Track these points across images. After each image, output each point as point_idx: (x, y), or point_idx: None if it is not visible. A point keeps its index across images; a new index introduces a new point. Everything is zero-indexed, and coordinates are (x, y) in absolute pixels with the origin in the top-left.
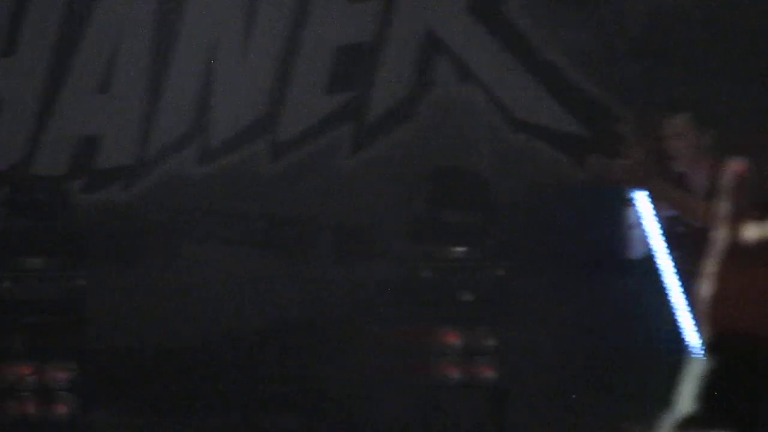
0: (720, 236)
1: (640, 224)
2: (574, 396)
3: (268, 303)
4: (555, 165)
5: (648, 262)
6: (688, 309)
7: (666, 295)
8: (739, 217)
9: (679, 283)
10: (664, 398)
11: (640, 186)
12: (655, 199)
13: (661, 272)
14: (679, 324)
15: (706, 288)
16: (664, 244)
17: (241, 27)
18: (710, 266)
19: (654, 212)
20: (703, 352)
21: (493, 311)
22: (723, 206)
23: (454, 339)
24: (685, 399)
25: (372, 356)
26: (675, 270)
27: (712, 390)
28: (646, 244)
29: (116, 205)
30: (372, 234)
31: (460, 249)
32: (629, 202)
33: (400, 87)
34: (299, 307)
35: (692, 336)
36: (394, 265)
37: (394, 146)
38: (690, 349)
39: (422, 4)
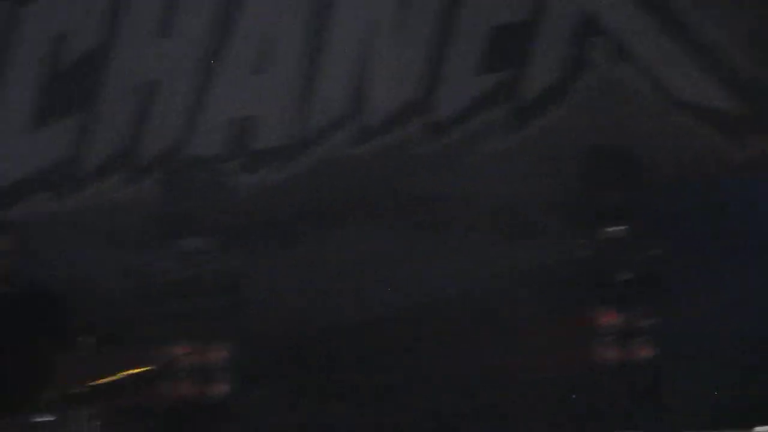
0: None
1: None
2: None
3: (426, 283)
4: (715, 145)
5: None
6: None
7: None
8: None
9: None
10: None
11: None
12: None
13: None
14: None
15: None
16: None
17: (396, 7)
18: None
19: None
20: None
21: (650, 291)
22: None
23: (611, 319)
24: None
25: (530, 336)
26: None
27: None
28: None
29: (273, 186)
30: (527, 214)
31: (616, 229)
32: None
33: (555, 67)
34: (457, 287)
35: None
36: (549, 245)
37: (550, 126)
38: None
39: None
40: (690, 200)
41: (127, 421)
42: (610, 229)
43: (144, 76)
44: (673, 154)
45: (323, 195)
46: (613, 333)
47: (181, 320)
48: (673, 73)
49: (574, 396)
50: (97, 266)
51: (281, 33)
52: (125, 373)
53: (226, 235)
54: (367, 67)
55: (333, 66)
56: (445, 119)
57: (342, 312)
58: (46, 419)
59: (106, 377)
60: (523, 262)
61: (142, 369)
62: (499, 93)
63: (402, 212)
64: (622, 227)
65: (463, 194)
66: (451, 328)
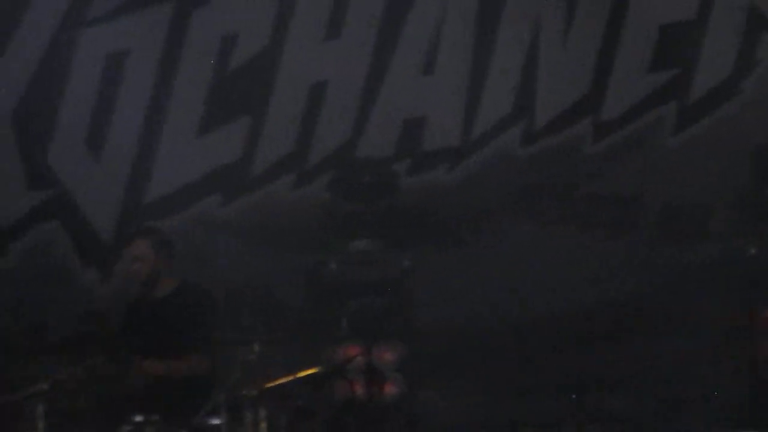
0: None
1: None
2: None
3: (595, 282)
4: None
5: None
6: None
7: None
8: None
9: None
10: None
11: None
12: None
13: None
14: None
15: None
16: None
17: (563, 7)
18: None
19: None
20: None
21: None
22: None
23: None
24: None
25: (699, 334)
26: None
27: None
28: None
29: (441, 187)
30: (697, 212)
31: None
32: None
33: (724, 64)
34: (626, 287)
35: None
36: (720, 243)
37: (719, 124)
38: None
39: None
40: None
41: (298, 423)
42: None
43: (313, 78)
44: None
45: (491, 196)
46: None
47: (351, 320)
48: None
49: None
50: (267, 268)
51: (449, 34)
52: (296, 374)
53: (395, 235)
54: (535, 68)
55: (501, 67)
56: (612, 118)
57: (507, 312)
58: (216, 422)
59: (277, 379)
60: (692, 260)
61: (313, 370)
62: (668, 91)
63: (570, 212)
64: None
65: (631, 193)
66: (619, 329)
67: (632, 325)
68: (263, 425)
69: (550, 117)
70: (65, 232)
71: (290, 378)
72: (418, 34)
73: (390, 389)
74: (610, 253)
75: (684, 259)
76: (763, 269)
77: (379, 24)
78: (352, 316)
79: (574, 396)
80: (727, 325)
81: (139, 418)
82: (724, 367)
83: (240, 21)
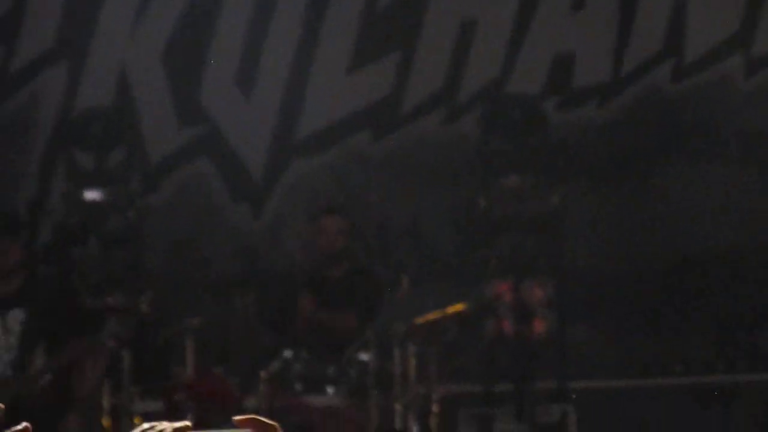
0: None
1: None
2: None
3: (746, 222)
4: None
5: None
6: None
7: None
8: None
9: None
10: None
11: None
12: None
13: None
14: None
15: None
16: None
17: None
18: None
19: None
20: None
21: None
22: None
23: None
24: None
25: None
26: None
27: None
28: None
29: (591, 124)
30: None
31: None
32: None
33: None
34: None
35: None
36: None
37: None
38: None
39: None
40: None
41: (446, 359)
42: None
43: (464, 14)
44: None
45: (641, 133)
46: None
47: (501, 258)
48: None
49: None
50: (416, 205)
51: None
52: (446, 311)
53: (546, 172)
54: (685, 2)
55: (651, 2)
56: (765, 54)
57: (656, 251)
58: (364, 358)
59: (426, 316)
60: None
61: (462, 307)
62: None
63: (721, 150)
64: None
65: None
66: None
67: None
68: (412, 361)
69: (700, 53)
70: (216, 168)
71: (439, 314)
72: None
73: (539, 326)
74: (763, 191)
75: None
76: None
77: None
78: (502, 253)
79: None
80: None
81: (287, 354)
82: None
83: None
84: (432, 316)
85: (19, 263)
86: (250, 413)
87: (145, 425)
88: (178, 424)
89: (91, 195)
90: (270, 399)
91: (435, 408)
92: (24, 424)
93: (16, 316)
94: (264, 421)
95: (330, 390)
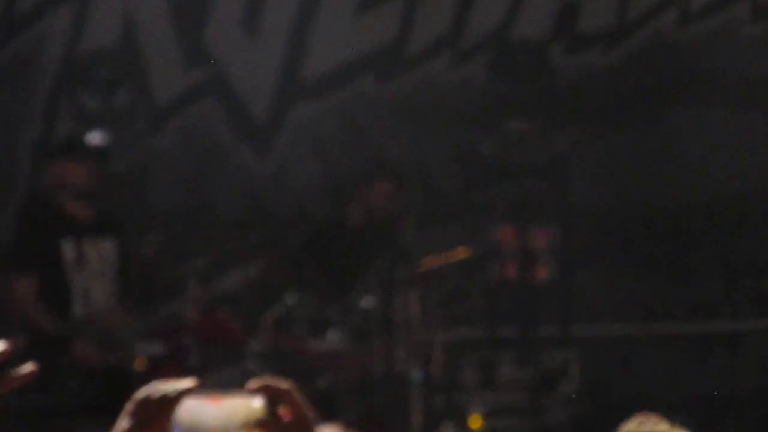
0: None
1: None
2: None
3: (751, 167)
4: None
5: None
6: None
7: None
8: None
9: None
10: None
11: None
12: None
13: None
14: None
15: None
16: None
17: None
18: None
19: None
20: None
21: None
22: None
23: None
24: None
25: None
26: None
27: None
28: None
29: (597, 69)
30: None
31: None
32: None
33: None
34: None
35: None
36: None
37: None
38: None
39: None
40: None
41: (450, 305)
42: None
43: None
44: None
45: (647, 79)
46: None
47: (505, 203)
48: None
49: None
50: (423, 148)
51: None
52: (450, 256)
53: (551, 117)
54: None
55: None
56: None
57: (664, 196)
58: (369, 303)
59: (431, 260)
60: None
61: (467, 252)
62: None
63: (727, 96)
64: None
65: None
66: None
67: None
68: (416, 307)
69: None
70: (221, 110)
71: (443, 259)
72: None
73: (543, 272)
74: None
75: None
76: None
77: None
78: (506, 198)
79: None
80: None
81: (291, 298)
82: None
83: None
84: (435, 260)
85: (93, 187)
86: (253, 356)
87: (150, 387)
88: (183, 385)
89: (96, 137)
90: (273, 342)
91: (438, 353)
92: (30, 366)
93: (107, 244)
94: (277, 387)
95: (333, 334)
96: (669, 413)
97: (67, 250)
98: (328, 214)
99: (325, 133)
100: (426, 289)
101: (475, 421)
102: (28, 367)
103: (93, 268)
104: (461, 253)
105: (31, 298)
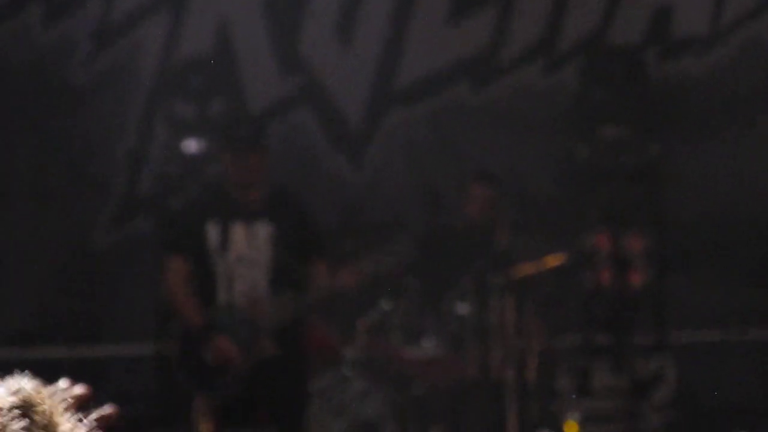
0: None
1: None
2: None
3: None
4: None
5: None
6: None
7: None
8: None
9: None
10: None
11: None
12: None
13: None
14: None
15: None
16: None
17: None
18: None
19: None
20: None
21: None
22: None
23: None
24: None
25: None
26: None
27: None
28: None
29: (691, 74)
30: None
31: None
32: None
33: None
34: None
35: None
36: None
37: None
38: None
39: None
40: None
41: (545, 310)
42: None
43: None
44: None
45: (742, 83)
46: None
47: (600, 209)
48: None
49: None
50: (517, 155)
51: None
52: (544, 263)
53: (645, 123)
54: None
55: None
56: None
57: (759, 202)
58: (463, 309)
59: (525, 267)
60: None
61: (561, 258)
62: None
63: None
64: None
65: None
66: None
67: None
68: (511, 313)
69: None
70: (315, 118)
71: (538, 266)
72: None
73: (638, 278)
74: None
75: None
76: None
77: None
78: (602, 204)
79: None
80: None
81: (386, 305)
82: None
83: None
84: (530, 267)
85: (263, 175)
86: (347, 364)
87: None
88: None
89: (191, 145)
90: (368, 350)
91: (533, 360)
92: (109, 407)
93: (263, 228)
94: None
95: (428, 341)
96: (763, 421)
97: (213, 233)
98: (423, 222)
99: (419, 140)
100: (521, 296)
101: (571, 428)
102: (107, 410)
103: (241, 254)
104: (556, 259)
105: (179, 282)
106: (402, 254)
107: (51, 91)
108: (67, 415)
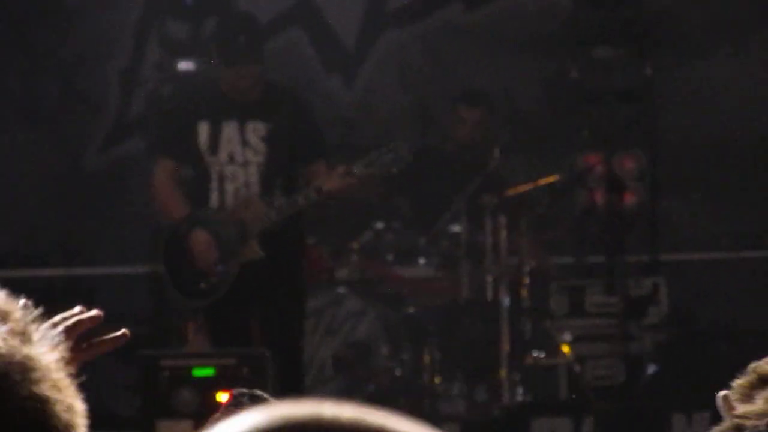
0: None
1: None
2: None
3: None
4: None
5: None
6: None
7: None
8: None
9: None
10: None
11: None
12: None
13: None
14: None
15: None
16: None
17: None
18: None
19: None
20: None
21: None
22: None
23: None
24: None
25: None
26: None
27: None
28: None
29: None
30: None
31: None
32: None
33: None
34: None
35: None
36: None
37: None
38: None
39: None
40: None
41: (537, 230)
42: None
43: None
44: None
45: (735, 3)
46: None
47: (592, 129)
48: None
49: None
50: (509, 76)
51: None
52: (537, 182)
53: (638, 43)
54: None
55: None
56: None
57: (751, 122)
58: (456, 229)
59: (517, 186)
60: None
61: (553, 178)
62: None
63: None
64: None
65: None
66: None
67: None
68: (503, 232)
69: None
70: (308, 38)
71: (530, 186)
72: None
73: (630, 198)
74: None
75: None
76: None
77: None
78: (594, 125)
79: None
80: None
81: (379, 225)
82: None
83: None
84: (523, 187)
85: (257, 78)
86: (342, 283)
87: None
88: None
89: (184, 65)
90: (361, 269)
91: (526, 280)
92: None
93: (257, 127)
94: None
95: (421, 261)
96: (756, 340)
97: (204, 133)
98: (414, 142)
99: (412, 61)
100: (514, 216)
101: (564, 348)
102: (119, 332)
103: (233, 154)
104: (549, 179)
105: (166, 183)
106: (396, 155)
107: (43, 10)
108: (39, 323)
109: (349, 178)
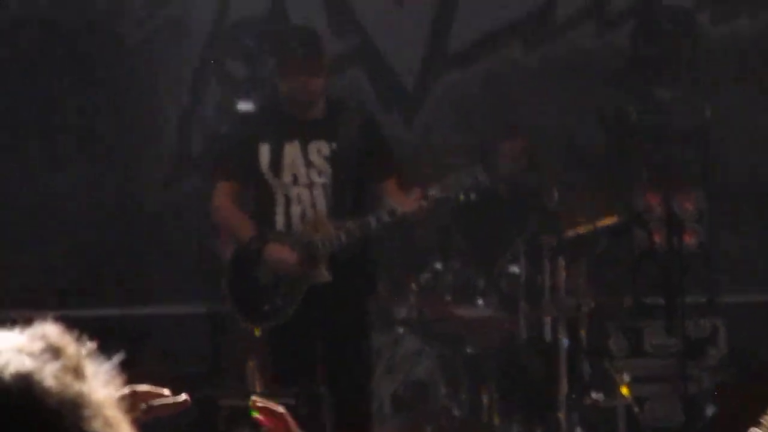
0: None
1: None
2: None
3: None
4: None
5: None
6: None
7: None
8: None
9: None
10: None
11: None
12: None
13: None
14: None
15: None
16: None
17: None
18: None
19: None
20: None
21: None
22: None
23: None
24: None
25: None
26: None
27: None
28: None
29: (743, 35)
30: None
31: None
32: None
33: None
34: None
35: None
36: None
37: None
38: None
39: None
40: None
41: (596, 271)
42: None
43: None
44: None
45: None
46: None
47: (652, 169)
48: None
49: None
50: (569, 115)
51: None
52: (596, 222)
53: (697, 83)
54: None
55: None
56: None
57: None
58: (515, 270)
59: (576, 227)
60: None
61: (612, 218)
62: None
63: None
64: None
65: None
66: None
67: None
68: (562, 273)
69: None
70: (368, 78)
71: (589, 226)
72: None
73: (689, 239)
74: None
75: None
76: None
77: None
78: (653, 165)
79: None
80: None
81: (438, 265)
82: None
83: None
84: (582, 227)
85: (318, 92)
86: (399, 323)
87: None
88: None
89: (243, 104)
90: (420, 309)
91: (584, 320)
92: (184, 396)
93: (322, 146)
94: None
95: (480, 301)
96: None
97: (265, 154)
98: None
99: (471, 100)
100: (573, 256)
101: (623, 389)
102: (181, 397)
103: (297, 175)
104: (608, 219)
105: (227, 201)
106: (474, 179)
107: (105, 48)
108: (92, 359)
109: (425, 202)
